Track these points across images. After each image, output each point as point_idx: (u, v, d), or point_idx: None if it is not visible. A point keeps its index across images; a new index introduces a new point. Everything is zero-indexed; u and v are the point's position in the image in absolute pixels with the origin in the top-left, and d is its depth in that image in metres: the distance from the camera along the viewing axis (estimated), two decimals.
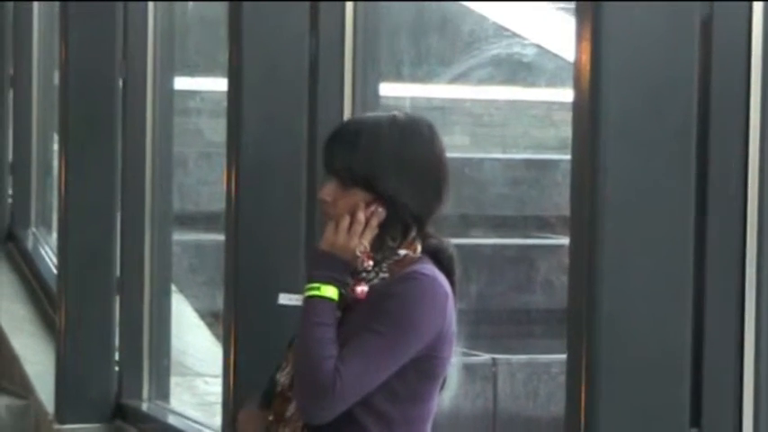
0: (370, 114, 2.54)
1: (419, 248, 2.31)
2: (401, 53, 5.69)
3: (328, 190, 2.30)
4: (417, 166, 2.27)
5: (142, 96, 4.20)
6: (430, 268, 2.27)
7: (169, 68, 4.31)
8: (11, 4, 5.44)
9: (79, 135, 4.26)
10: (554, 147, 6.01)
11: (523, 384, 5.39)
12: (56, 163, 4.72)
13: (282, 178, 3.00)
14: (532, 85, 5.99)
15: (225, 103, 3.10)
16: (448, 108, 6.00)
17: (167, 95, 4.31)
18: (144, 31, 4.22)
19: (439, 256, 2.31)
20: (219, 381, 3.20)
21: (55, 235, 4.88)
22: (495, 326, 5.73)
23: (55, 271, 4.65)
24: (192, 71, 5.56)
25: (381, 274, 2.28)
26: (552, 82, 5.70)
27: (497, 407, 5.35)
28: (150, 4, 4.23)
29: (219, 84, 3.32)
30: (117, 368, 4.30)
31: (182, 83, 4.77)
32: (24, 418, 4.31)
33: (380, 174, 2.26)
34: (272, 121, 2.99)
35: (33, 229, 5.49)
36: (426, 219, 2.30)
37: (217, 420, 3.35)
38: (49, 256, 5.17)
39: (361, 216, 2.25)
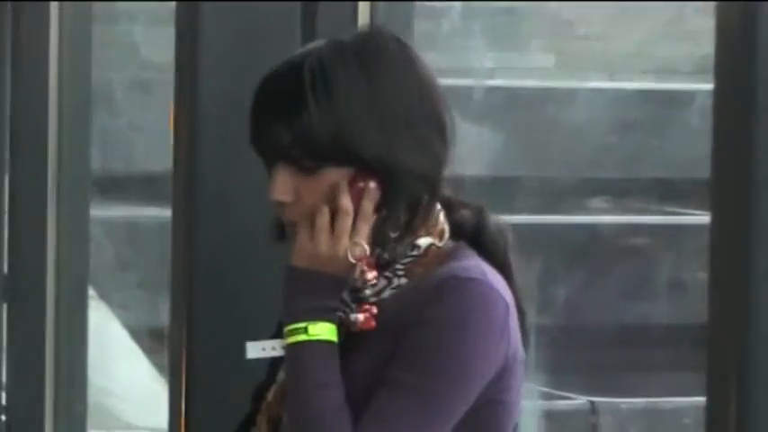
0: (302, 50, 1.82)
1: (446, 231, 1.78)
2: None
3: (282, 185, 1.74)
4: (405, 105, 1.74)
5: None
6: (474, 263, 1.75)
7: None
8: None
9: None
10: (688, 71, 5.26)
11: None
12: None
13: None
14: None
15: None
16: (520, 10, 5.08)
17: None
18: None
19: (481, 238, 1.79)
20: None
21: None
22: (593, 352, 4.95)
23: None
24: None
25: (396, 281, 1.76)
26: None
27: None
28: None
29: None
30: (2, 418, 3.99)
31: None
32: None
33: (357, 131, 1.73)
34: (243, 40, 2.47)
35: None
36: (439, 180, 1.75)
37: None
38: None
39: (346, 202, 1.73)
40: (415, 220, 1.76)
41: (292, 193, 1.72)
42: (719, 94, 1.75)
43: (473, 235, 1.80)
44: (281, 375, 1.82)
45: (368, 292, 1.75)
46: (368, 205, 1.73)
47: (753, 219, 1.67)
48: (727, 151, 1.72)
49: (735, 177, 1.71)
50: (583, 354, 4.82)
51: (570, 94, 5.22)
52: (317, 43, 1.80)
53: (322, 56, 1.75)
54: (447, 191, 1.81)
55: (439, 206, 1.77)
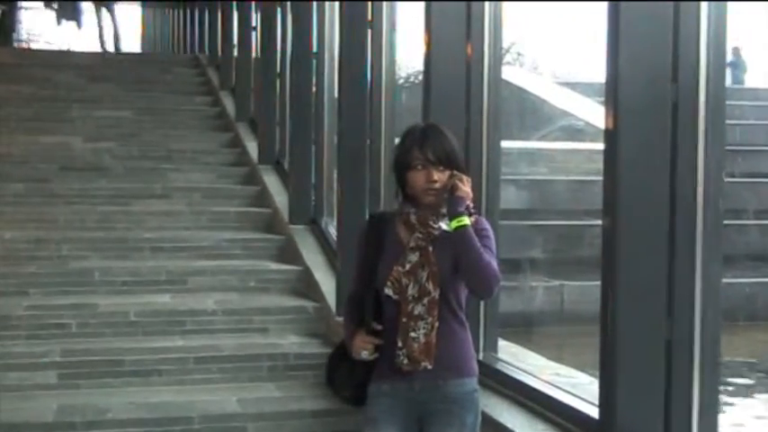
0: (424, 124, 3.81)
1: None
2: (511, 124, 9.35)
3: (439, 176, 3.62)
4: (458, 146, 3.72)
5: None
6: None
7: None
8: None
9: (347, 168, 7.14)
10: (594, 173, 7.47)
11: None
12: (335, 182, 8.07)
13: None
14: (581, 140, 10.38)
15: None
16: (536, 153, 10.02)
17: None
18: (379, 113, 6.88)
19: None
20: None
21: (335, 220, 7.84)
22: None
23: (335, 238, 7.63)
24: None
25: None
26: (593, 139, 9.30)
27: None
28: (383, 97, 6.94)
29: None
30: None
31: None
32: (320, 313, 7.46)
33: (458, 154, 3.67)
34: None
35: (325, 217, 8.79)
36: None
37: None
38: (332, 231, 8.25)
39: (466, 177, 3.64)
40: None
41: (438, 178, 3.63)
42: (605, 183, 3.64)
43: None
44: (412, 257, 3.63)
45: (473, 209, 3.64)
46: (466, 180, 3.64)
47: None
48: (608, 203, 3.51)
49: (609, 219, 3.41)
50: None
51: (552, 182, 8.09)
52: (427, 123, 3.89)
53: (436, 127, 3.73)
54: None
55: None
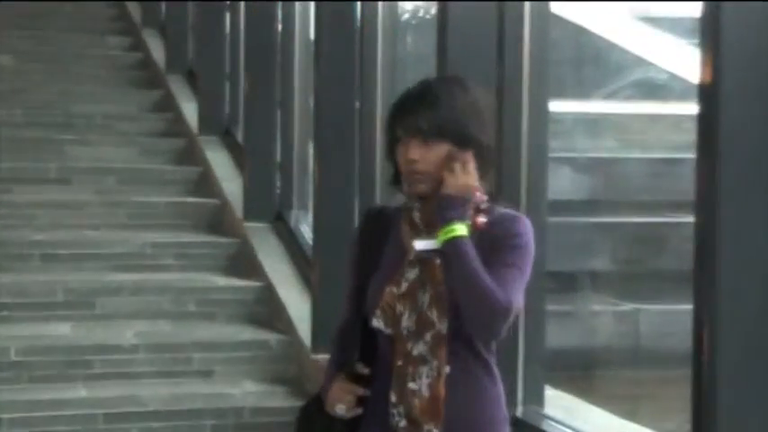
0: (425, 79, 3.71)
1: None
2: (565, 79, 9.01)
3: (414, 149, 3.55)
4: (481, 110, 3.61)
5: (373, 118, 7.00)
6: (506, 209, 3.72)
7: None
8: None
9: (327, 141, 7.24)
10: (684, 148, 7.52)
11: None
12: (311, 162, 8.32)
13: None
14: (665, 101, 9.94)
15: None
16: (600, 120, 9.78)
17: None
18: (374, 64, 7.01)
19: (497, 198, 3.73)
20: None
21: (310, 215, 8.16)
22: None
23: (310, 241, 7.89)
24: None
25: (485, 216, 3.62)
26: (682, 99, 8.85)
27: None
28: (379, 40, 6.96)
29: None
30: None
31: None
32: (288, 348, 7.57)
33: (465, 122, 3.55)
34: None
35: (295, 211, 9.04)
36: (494, 154, 3.63)
37: None
38: (305, 231, 8.59)
39: (469, 158, 3.55)
40: (489, 176, 3.62)
41: (419, 155, 3.53)
42: (697, 162, 3.55)
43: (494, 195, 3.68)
44: (410, 274, 3.58)
45: (483, 206, 3.57)
46: (472, 164, 3.54)
47: None
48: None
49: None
50: None
51: (624, 160, 8.05)
52: (432, 78, 3.79)
53: (443, 83, 3.69)
54: None
55: None
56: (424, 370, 3.55)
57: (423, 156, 3.53)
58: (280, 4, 9.15)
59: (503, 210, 3.65)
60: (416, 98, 3.59)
